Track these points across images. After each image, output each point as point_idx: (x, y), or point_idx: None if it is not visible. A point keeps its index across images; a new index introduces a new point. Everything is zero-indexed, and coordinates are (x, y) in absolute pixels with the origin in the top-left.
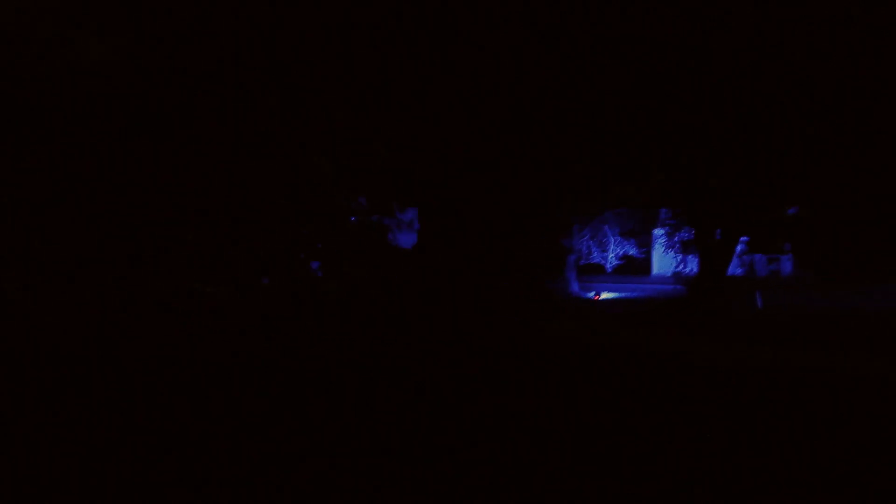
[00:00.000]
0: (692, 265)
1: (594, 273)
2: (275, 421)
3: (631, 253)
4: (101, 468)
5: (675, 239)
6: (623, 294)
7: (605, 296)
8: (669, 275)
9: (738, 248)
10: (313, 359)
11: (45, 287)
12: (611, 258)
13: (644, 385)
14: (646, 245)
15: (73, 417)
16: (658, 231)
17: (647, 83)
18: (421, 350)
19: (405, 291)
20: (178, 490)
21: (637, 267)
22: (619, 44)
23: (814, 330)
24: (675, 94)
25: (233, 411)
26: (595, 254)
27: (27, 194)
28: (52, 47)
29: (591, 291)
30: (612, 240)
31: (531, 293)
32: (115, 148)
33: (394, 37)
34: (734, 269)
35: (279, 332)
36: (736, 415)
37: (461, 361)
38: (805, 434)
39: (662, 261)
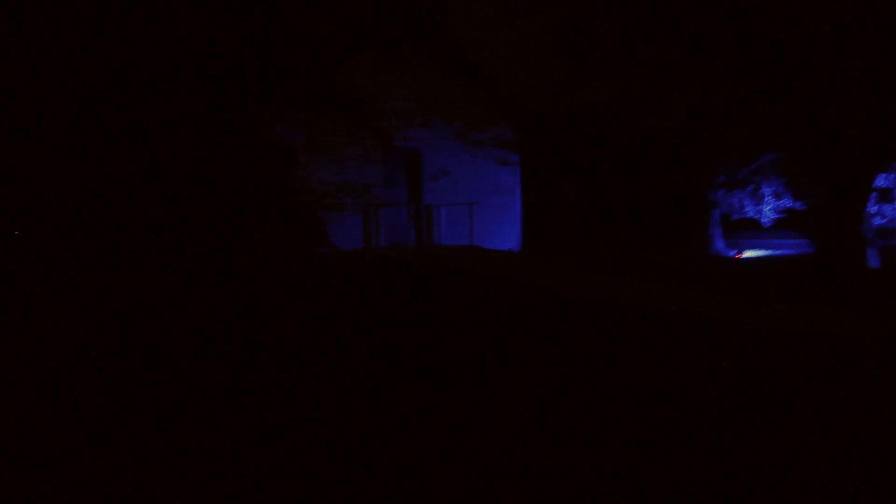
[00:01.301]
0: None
1: (749, 228)
2: (275, 421)
3: (790, 206)
4: (100, 468)
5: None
6: (778, 252)
7: (749, 254)
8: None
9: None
10: (313, 359)
11: (45, 287)
12: (767, 212)
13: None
14: (811, 196)
15: (73, 417)
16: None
17: None
18: (421, 349)
19: (405, 291)
20: (179, 490)
21: (806, 221)
22: None
23: None
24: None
25: (233, 411)
26: (748, 207)
27: (27, 194)
28: (54, 47)
29: (735, 249)
30: (769, 191)
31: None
32: (115, 148)
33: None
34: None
35: (279, 332)
36: (750, 407)
37: (461, 361)
38: (819, 433)
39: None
